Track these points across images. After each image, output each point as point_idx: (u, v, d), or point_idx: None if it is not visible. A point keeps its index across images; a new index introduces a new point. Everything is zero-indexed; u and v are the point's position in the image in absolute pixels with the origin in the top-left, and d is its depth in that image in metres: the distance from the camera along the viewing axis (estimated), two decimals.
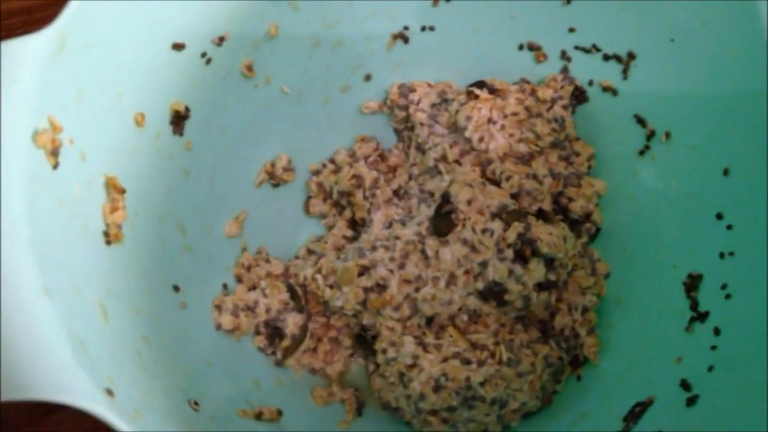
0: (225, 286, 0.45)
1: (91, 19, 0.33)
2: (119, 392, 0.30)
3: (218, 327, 0.43)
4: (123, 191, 0.37)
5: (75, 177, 0.33)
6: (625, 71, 0.44)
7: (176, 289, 0.41)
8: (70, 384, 0.27)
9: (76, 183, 0.33)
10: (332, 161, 0.49)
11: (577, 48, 0.45)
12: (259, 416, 0.41)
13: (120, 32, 0.35)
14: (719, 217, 0.40)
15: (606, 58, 0.45)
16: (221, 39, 0.41)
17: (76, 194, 0.33)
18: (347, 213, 0.48)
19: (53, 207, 0.31)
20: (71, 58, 0.32)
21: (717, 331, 0.38)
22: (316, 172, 0.49)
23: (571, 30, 0.45)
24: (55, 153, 0.31)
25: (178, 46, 0.39)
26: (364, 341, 0.45)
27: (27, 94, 0.29)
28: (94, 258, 0.34)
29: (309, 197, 0.49)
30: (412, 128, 0.48)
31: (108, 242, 0.36)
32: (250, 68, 0.44)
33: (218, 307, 0.43)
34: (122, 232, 0.37)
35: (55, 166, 0.32)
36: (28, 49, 0.29)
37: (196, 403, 0.37)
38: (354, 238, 0.47)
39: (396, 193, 0.48)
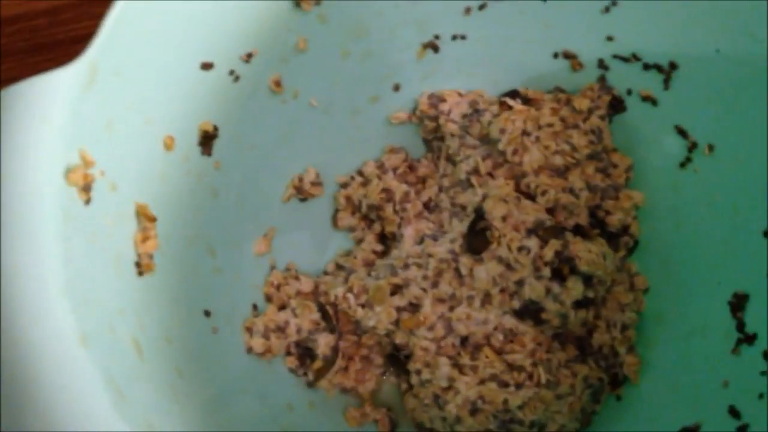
0: (255, 307, 0.44)
1: (122, 46, 0.31)
2: None
3: (249, 350, 0.42)
4: (154, 219, 0.35)
5: (107, 210, 0.32)
6: (666, 81, 0.43)
7: (207, 314, 0.40)
8: None
9: (107, 215, 0.32)
10: (360, 173, 0.47)
11: (615, 57, 0.44)
12: None
13: (149, 56, 0.34)
14: (767, 235, 0.39)
15: (646, 67, 0.43)
16: (249, 56, 0.40)
17: (107, 228, 0.32)
18: (376, 227, 0.47)
19: (86, 244, 0.30)
20: (102, 89, 0.31)
21: (767, 356, 0.37)
22: (344, 185, 0.47)
23: (610, 38, 0.43)
24: (87, 188, 0.30)
25: (206, 66, 0.38)
26: (397, 360, 0.44)
27: (57, 132, 0.28)
28: (127, 292, 0.33)
29: (337, 210, 0.48)
30: (442, 139, 0.47)
31: (140, 273, 0.35)
32: (278, 83, 0.42)
33: (249, 330, 0.42)
34: (153, 261, 0.36)
35: (87, 202, 0.31)
36: (58, 84, 0.28)
37: None
38: (383, 253, 0.46)
39: (426, 205, 0.46)
